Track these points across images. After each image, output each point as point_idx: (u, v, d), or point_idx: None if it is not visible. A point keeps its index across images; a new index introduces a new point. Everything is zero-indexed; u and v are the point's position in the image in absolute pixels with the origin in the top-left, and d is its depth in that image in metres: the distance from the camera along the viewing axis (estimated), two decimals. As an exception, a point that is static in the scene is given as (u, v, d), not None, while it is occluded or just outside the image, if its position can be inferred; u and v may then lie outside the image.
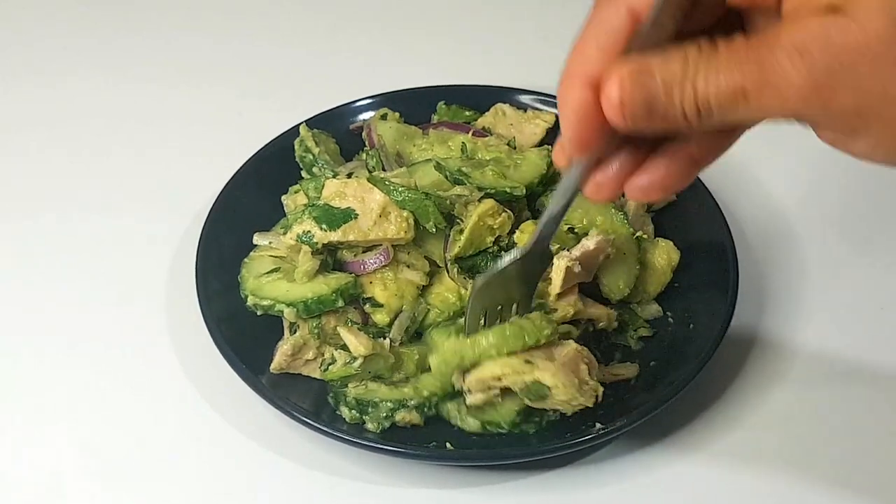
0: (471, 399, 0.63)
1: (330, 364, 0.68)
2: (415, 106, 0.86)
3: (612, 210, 0.74)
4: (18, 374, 0.72)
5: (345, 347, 0.68)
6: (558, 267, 0.68)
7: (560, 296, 0.68)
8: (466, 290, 0.69)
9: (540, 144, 0.82)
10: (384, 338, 0.68)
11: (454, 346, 0.63)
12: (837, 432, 0.69)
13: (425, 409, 0.66)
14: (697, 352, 0.68)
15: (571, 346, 0.64)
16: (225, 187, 0.79)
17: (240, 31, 1.05)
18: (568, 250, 0.69)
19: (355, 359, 0.67)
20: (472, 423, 0.66)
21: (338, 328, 0.69)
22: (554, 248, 0.69)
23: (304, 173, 0.81)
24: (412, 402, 0.66)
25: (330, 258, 0.72)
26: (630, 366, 0.69)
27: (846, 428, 0.69)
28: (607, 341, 0.72)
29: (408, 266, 0.71)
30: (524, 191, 0.73)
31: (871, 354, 0.74)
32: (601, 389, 0.63)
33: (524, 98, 0.86)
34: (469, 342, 0.62)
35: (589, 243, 0.69)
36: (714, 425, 0.69)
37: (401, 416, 0.66)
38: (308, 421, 0.64)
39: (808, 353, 0.73)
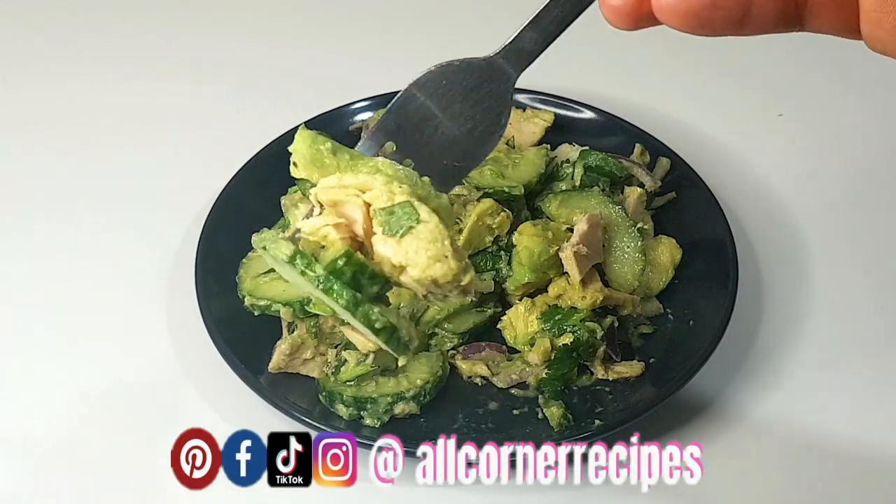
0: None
1: (338, 366, 0.68)
2: (414, 106, 0.86)
3: (606, 200, 0.74)
4: (18, 373, 0.72)
5: (346, 347, 0.68)
6: (567, 257, 0.68)
7: (584, 284, 0.69)
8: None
9: (539, 144, 0.82)
10: None
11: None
12: (838, 430, 0.69)
13: (421, 399, 0.67)
14: (697, 349, 0.68)
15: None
16: (225, 188, 0.79)
17: (239, 32, 1.06)
18: (566, 242, 0.70)
19: (366, 356, 0.67)
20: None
21: (340, 328, 0.69)
22: (552, 249, 0.69)
23: (303, 173, 0.81)
24: (409, 394, 0.66)
25: (328, 258, 0.72)
26: (635, 364, 0.69)
27: (847, 425, 0.69)
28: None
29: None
30: (522, 190, 0.73)
31: (871, 352, 0.74)
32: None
33: (523, 97, 0.86)
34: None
35: (581, 225, 0.70)
36: (713, 423, 0.69)
37: (399, 409, 0.66)
38: (307, 419, 0.64)
39: (808, 350, 0.73)
